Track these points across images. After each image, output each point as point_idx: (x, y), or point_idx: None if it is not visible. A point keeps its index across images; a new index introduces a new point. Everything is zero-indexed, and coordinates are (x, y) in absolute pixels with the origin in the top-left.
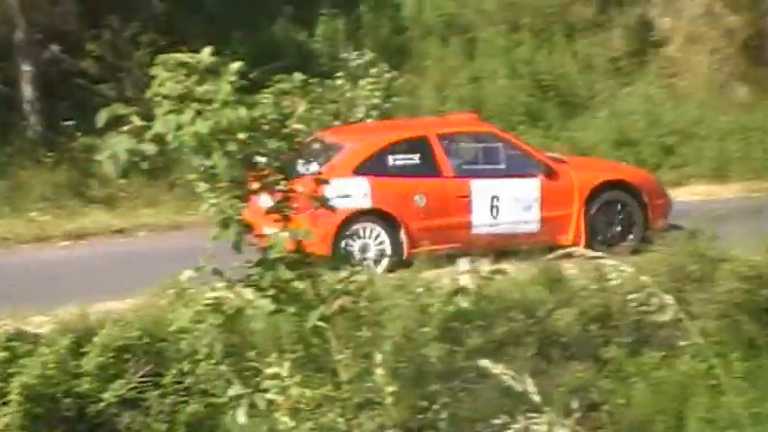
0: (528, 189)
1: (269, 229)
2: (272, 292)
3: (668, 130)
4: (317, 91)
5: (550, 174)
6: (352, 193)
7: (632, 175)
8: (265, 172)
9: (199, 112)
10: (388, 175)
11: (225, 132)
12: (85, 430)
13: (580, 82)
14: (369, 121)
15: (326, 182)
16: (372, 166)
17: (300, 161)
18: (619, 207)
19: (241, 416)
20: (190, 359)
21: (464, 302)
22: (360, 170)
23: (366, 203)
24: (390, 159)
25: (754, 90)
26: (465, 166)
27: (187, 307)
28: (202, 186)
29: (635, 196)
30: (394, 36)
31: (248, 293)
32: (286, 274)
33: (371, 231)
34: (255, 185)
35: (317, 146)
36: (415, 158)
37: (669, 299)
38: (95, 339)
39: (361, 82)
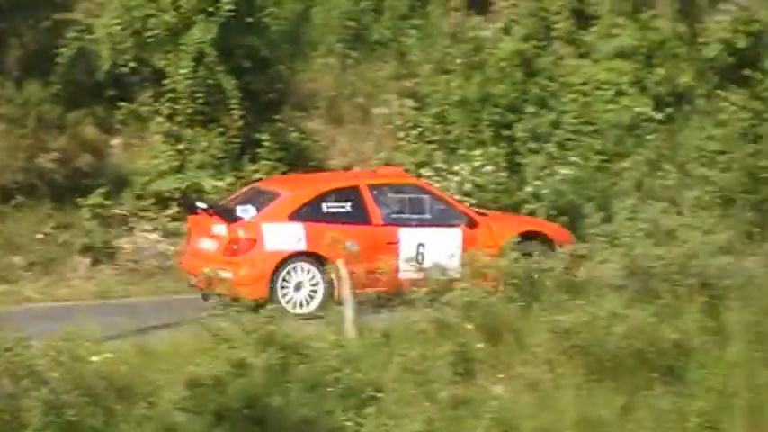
0: (451, 238)
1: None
2: None
3: None
4: None
5: (472, 224)
6: (287, 237)
7: (547, 228)
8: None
9: None
10: (322, 221)
11: None
12: None
13: None
14: None
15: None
16: (307, 213)
17: (238, 207)
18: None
19: None
20: None
21: None
22: (295, 216)
23: (301, 247)
24: (324, 207)
25: None
26: (393, 215)
27: None
28: None
29: (550, 246)
30: None
31: None
32: None
33: (307, 271)
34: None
35: (255, 193)
36: (347, 206)
37: None
38: None
39: None
